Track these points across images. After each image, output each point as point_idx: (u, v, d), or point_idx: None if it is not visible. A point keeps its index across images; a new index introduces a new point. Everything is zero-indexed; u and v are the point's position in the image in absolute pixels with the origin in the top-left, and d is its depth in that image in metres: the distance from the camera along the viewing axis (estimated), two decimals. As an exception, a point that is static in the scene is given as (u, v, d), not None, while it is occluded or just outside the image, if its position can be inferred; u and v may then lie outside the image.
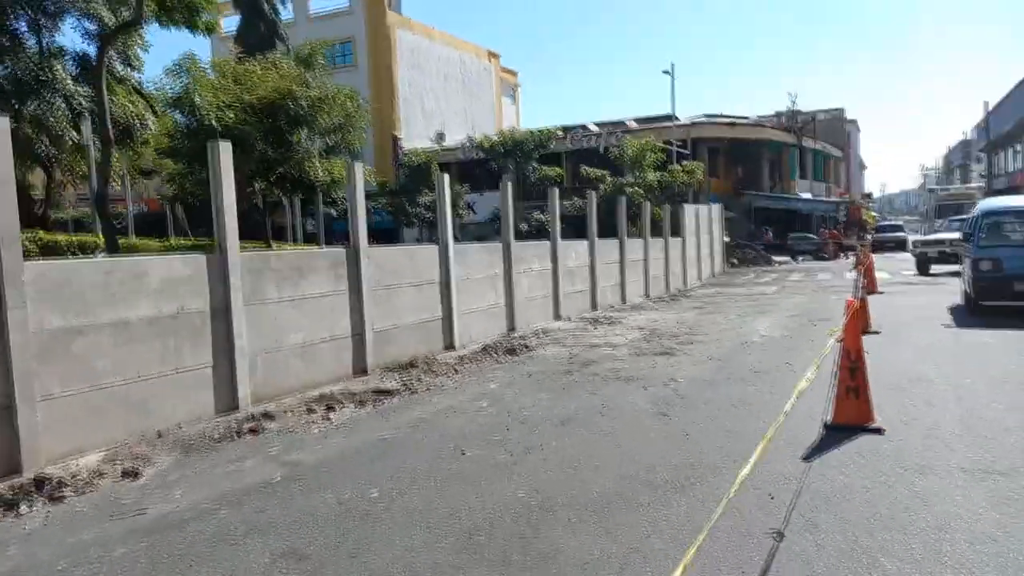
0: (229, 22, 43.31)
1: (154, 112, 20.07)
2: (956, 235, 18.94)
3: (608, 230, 17.47)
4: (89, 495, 4.53)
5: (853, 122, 71.39)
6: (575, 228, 22.73)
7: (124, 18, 15.86)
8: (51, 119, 20.47)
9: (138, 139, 18.07)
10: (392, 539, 3.63)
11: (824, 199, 51.12)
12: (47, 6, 20.76)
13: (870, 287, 15.54)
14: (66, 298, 5.59)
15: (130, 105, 20.57)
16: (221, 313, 6.79)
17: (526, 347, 10.17)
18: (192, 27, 26.63)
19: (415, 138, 45.63)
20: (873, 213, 64.03)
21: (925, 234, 26.11)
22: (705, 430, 5.43)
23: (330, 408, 6.75)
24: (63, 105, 20.55)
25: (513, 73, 61.99)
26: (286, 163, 12.57)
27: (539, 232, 35.18)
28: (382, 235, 38.12)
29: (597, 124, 45.97)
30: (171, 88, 14.14)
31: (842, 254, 36.56)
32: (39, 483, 4.64)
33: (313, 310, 7.94)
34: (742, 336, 10.55)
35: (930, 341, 9.47)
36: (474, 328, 11.10)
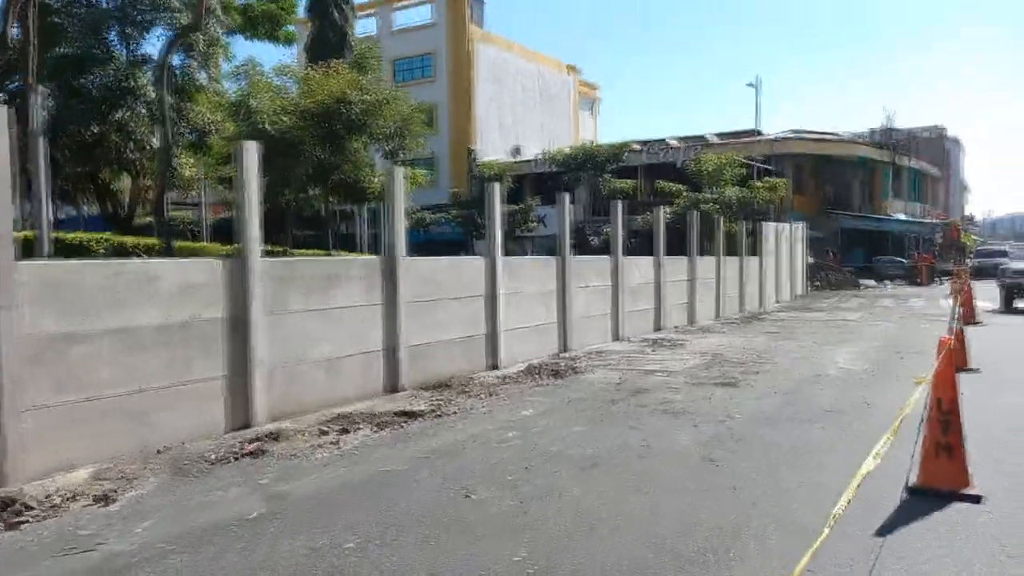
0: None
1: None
2: None
3: (682, 247, 16.54)
4: (51, 521, 4.11)
5: (955, 141, 67.11)
6: (650, 243, 21.85)
7: (193, 26, 16.01)
8: (132, 125, 21.22)
9: (211, 146, 18.37)
10: (351, 608, 3.01)
11: (920, 221, 47.99)
12: (135, 16, 21.55)
13: (968, 317, 14.02)
14: (65, 301, 5.26)
15: (207, 113, 21.07)
16: (238, 322, 6.38)
17: (574, 370, 9.43)
18: (274, 39, 27.41)
19: (493, 151, 45.53)
20: (974, 236, 59.90)
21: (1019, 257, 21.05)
22: (758, 484, 4.58)
23: (345, 430, 6.22)
24: (144, 112, 21.25)
25: (593, 87, 61.28)
26: (340, 169, 12.30)
27: (609, 247, 34.41)
28: (451, 247, 38.02)
29: (677, 138, 44.65)
30: (233, 93, 14.18)
31: (936, 279, 33.99)
32: (4, 504, 4.25)
33: (342, 322, 7.47)
34: (816, 367, 9.49)
35: (1040, 383, 8.21)
36: (522, 347, 10.45)
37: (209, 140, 20.35)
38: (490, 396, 7.78)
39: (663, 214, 14.88)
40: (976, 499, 4.21)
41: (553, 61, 53.21)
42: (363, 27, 49.29)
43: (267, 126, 11.66)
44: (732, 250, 19.48)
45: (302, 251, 23.68)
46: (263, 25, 25.66)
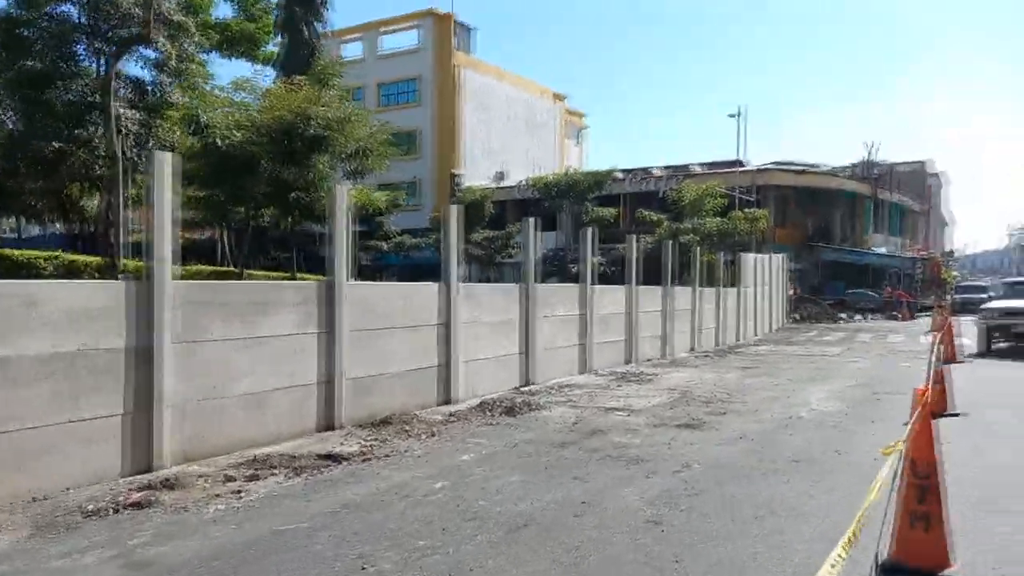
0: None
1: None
2: None
3: (661, 277, 16.02)
4: None
5: (936, 175, 67.61)
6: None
7: (141, 36, 15.43)
8: (97, 141, 20.54)
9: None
10: None
11: (900, 255, 47.96)
12: (105, 31, 20.96)
13: (949, 355, 13.53)
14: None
15: (178, 130, 20.43)
16: (144, 353, 5.71)
17: (530, 406, 8.79)
18: (253, 58, 26.95)
19: (477, 177, 45.19)
20: (954, 272, 60.05)
21: (1004, 295, 17.76)
22: (705, 556, 3.95)
23: (255, 476, 5.54)
24: (113, 128, 20.60)
25: (580, 115, 61.35)
26: (298, 187, 11.70)
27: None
28: (431, 271, 37.43)
29: (661, 167, 44.53)
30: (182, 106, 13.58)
31: (907, 314, 33.60)
32: None
33: (272, 353, 6.81)
34: (789, 408, 8.90)
35: (1025, 431, 7.67)
36: (480, 379, 9.81)
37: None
38: (432, 436, 7.12)
39: (635, 243, 14.35)
40: (957, 580, 3.61)
41: (540, 88, 53.19)
42: (350, 51, 49.14)
43: (218, 140, 11.05)
44: (710, 281, 19.01)
45: (278, 273, 22.92)
46: (241, 44, 25.26)
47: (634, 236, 14.82)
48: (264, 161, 12.23)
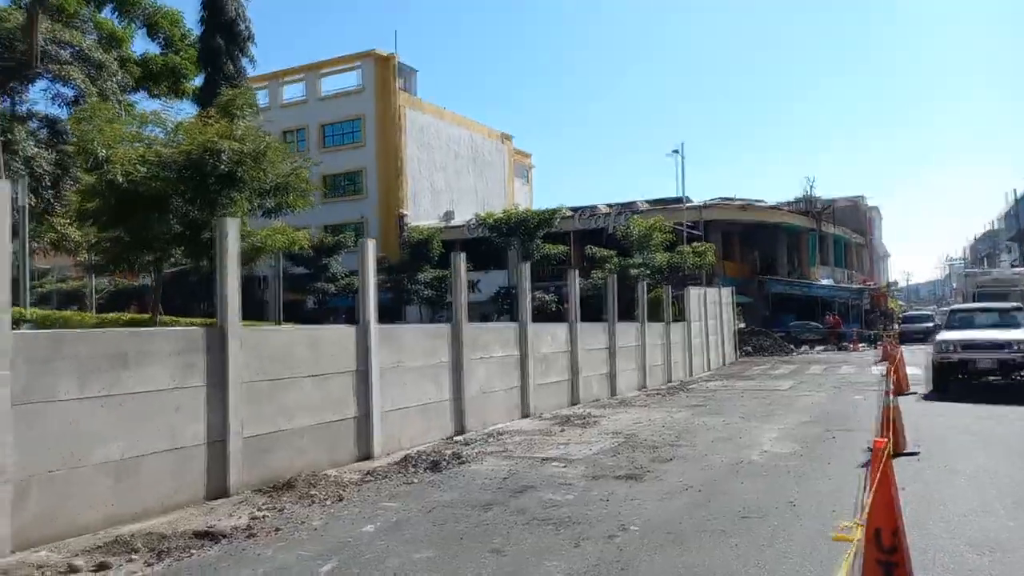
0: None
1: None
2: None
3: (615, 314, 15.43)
4: None
5: (875, 208, 69.58)
6: (582, 309, 20.73)
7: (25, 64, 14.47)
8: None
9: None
10: None
11: (846, 286, 48.69)
12: (13, 67, 19.82)
13: (900, 386, 13.15)
14: None
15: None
16: (-29, 419, 4.75)
17: (459, 459, 7.95)
18: (178, 94, 25.94)
19: (425, 216, 44.57)
20: (900, 302, 61.41)
21: (953, 325, 15.07)
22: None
23: (103, 566, 4.58)
24: (23, 168, 19.35)
25: (527, 155, 61.50)
26: (212, 227, 10.78)
27: (540, 312, 33.22)
28: (380, 313, 36.26)
29: (609, 205, 44.55)
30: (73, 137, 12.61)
31: (850, 345, 33.75)
32: None
33: (143, 412, 5.86)
34: (740, 450, 8.24)
35: (992, 467, 7.12)
36: (406, 430, 8.93)
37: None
38: (338, 501, 6.21)
39: (576, 278, 13.75)
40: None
41: (486, 129, 53.11)
42: (291, 92, 48.43)
43: (119, 176, 10.11)
44: (657, 316, 18.50)
45: (213, 320, 21.60)
46: (165, 79, 24.27)
47: (575, 271, 14.23)
48: (175, 199, 11.27)
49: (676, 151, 36.06)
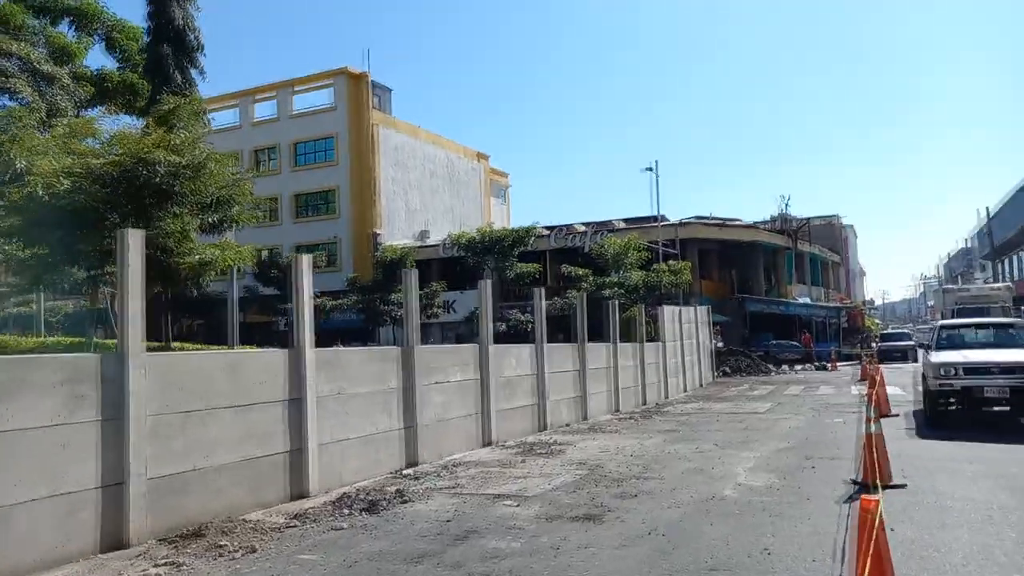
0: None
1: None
2: None
3: (588, 333, 14.74)
4: None
5: (850, 227, 69.94)
6: (558, 330, 20.00)
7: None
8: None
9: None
10: None
11: (824, 304, 48.50)
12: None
13: (881, 409, 12.52)
14: None
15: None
16: None
17: (402, 497, 7.14)
18: (135, 112, 25.04)
19: (399, 235, 43.79)
20: (877, 320, 61.45)
21: (944, 345, 12.69)
22: None
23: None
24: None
25: (504, 174, 61.07)
26: (151, 245, 9.99)
27: (515, 333, 32.45)
28: (352, 335, 35.26)
29: (584, 223, 44.11)
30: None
31: (834, 363, 33.30)
32: None
33: (19, 452, 5.04)
34: (712, 484, 7.52)
35: (984, 498, 6.47)
36: (349, 464, 8.11)
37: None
38: (249, 553, 5.39)
39: (543, 297, 13.05)
40: None
41: (462, 148, 52.61)
42: (262, 110, 47.63)
43: (39, 190, 9.29)
44: (629, 336, 17.84)
45: (185, 344, 20.52)
46: (121, 96, 23.38)
47: (541, 289, 13.52)
48: (109, 214, 10.43)
49: (650, 168, 35.63)
